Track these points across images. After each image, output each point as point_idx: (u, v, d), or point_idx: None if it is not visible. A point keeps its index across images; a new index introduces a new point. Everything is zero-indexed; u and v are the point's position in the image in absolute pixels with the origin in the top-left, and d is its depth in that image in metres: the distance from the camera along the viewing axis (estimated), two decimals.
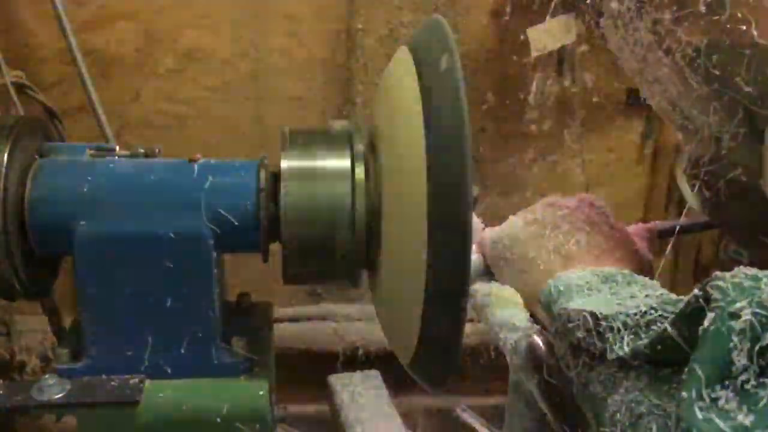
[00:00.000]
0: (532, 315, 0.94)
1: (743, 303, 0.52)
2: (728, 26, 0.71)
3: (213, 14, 1.69)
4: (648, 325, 0.65)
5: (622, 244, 0.94)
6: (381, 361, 1.80)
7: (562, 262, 0.90)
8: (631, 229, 1.01)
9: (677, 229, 1.06)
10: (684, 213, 1.15)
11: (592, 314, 0.69)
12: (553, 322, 0.79)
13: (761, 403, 0.51)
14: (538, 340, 0.88)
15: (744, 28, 0.70)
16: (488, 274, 1.05)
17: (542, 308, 0.83)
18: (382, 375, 1.70)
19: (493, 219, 1.10)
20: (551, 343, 0.86)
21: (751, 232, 0.86)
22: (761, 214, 0.80)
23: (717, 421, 0.51)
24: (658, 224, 1.06)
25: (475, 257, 1.06)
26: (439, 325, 0.80)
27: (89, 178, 0.89)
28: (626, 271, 0.84)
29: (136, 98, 1.73)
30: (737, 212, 0.84)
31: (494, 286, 1.02)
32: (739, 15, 0.71)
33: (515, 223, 1.00)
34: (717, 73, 0.73)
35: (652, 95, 0.87)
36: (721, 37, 0.72)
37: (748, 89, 0.71)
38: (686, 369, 0.53)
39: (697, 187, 0.84)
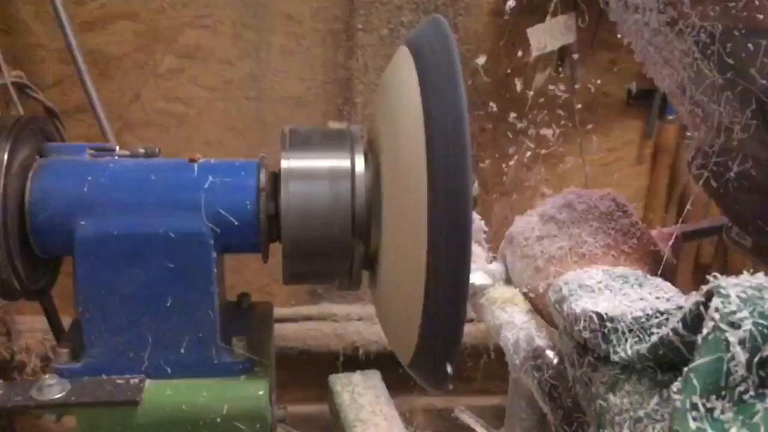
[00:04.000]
0: (541, 313, 0.94)
1: (744, 313, 0.51)
2: (744, 14, 0.69)
3: (213, 14, 1.69)
4: (652, 328, 0.65)
5: (643, 245, 0.92)
6: (381, 361, 1.80)
7: (578, 261, 0.89)
8: (655, 233, 1.00)
9: (700, 231, 1.04)
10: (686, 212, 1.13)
11: (598, 315, 0.69)
12: (562, 320, 0.79)
13: (757, 416, 0.50)
14: (539, 340, 0.88)
15: (761, 16, 0.68)
16: (509, 280, 1.04)
17: (552, 306, 0.82)
18: (382, 375, 1.70)
19: (494, 219, 1.10)
20: (553, 342, 0.86)
21: (759, 223, 0.84)
22: None
23: (709, 431, 0.50)
24: (681, 227, 1.04)
25: (496, 266, 1.05)
26: (439, 326, 0.80)
27: (89, 178, 0.89)
28: (639, 272, 0.83)
29: (136, 98, 1.73)
30: (745, 204, 0.81)
31: (495, 287, 1.02)
32: (756, 2, 0.68)
33: (531, 220, 0.98)
34: (731, 62, 0.71)
35: (662, 78, 0.84)
36: (736, 24, 0.70)
37: (762, 81, 0.69)
38: (681, 377, 0.52)
39: (704, 177, 0.81)
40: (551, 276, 0.89)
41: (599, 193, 0.98)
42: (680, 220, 1.63)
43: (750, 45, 0.69)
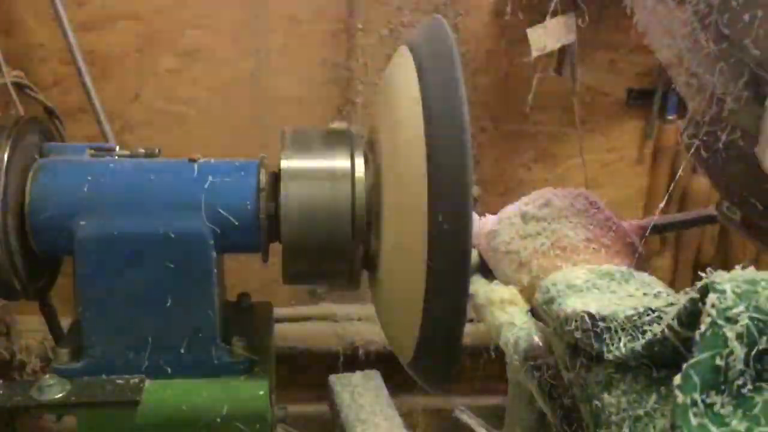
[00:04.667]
0: (532, 310, 0.95)
1: (741, 308, 0.52)
2: None
3: (213, 14, 1.69)
4: (645, 326, 0.65)
5: (619, 236, 0.95)
6: (381, 361, 1.80)
7: (560, 254, 0.91)
8: (626, 224, 1.03)
9: (673, 224, 1.05)
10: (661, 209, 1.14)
11: (590, 315, 0.69)
12: (551, 321, 0.79)
13: (756, 409, 0.50)
14: (538, 340, 0.88)
15: None
16: (484, 268, 1.06)
17: (540, 307, 0.83)
18: (382, 375, 1.70)
19: None
20: (550, 342, 0.86)
21: (745, 194, 0.85)
22: (755, 178, 0.79)
23: (710, 426, 0.50)
24: (653, 220, 1.07)
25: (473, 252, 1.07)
26: (439, 325, 0.80)
27: (89, 178, 0.89)
28: (624, 269, 0.85)
29: (136, 98, 1.73)
30: (733, 175, 0.82)
31: (494, 287, 1.02)
32: None
33: (513, 219, 1.00)
34: (727, 32, 0.71)
35: (661, 48, 0.85)
36: None
37: (756, 52, 0.70)
38: (681, 374, 0.53)
39: (695, 146, 0.82)
40: (534, 269, 0.92)
41: (573, 192, 1.02)
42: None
43: (746, 16, 0.70)
